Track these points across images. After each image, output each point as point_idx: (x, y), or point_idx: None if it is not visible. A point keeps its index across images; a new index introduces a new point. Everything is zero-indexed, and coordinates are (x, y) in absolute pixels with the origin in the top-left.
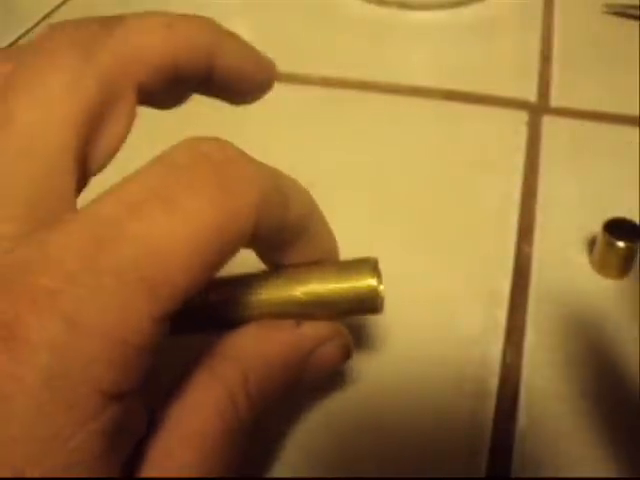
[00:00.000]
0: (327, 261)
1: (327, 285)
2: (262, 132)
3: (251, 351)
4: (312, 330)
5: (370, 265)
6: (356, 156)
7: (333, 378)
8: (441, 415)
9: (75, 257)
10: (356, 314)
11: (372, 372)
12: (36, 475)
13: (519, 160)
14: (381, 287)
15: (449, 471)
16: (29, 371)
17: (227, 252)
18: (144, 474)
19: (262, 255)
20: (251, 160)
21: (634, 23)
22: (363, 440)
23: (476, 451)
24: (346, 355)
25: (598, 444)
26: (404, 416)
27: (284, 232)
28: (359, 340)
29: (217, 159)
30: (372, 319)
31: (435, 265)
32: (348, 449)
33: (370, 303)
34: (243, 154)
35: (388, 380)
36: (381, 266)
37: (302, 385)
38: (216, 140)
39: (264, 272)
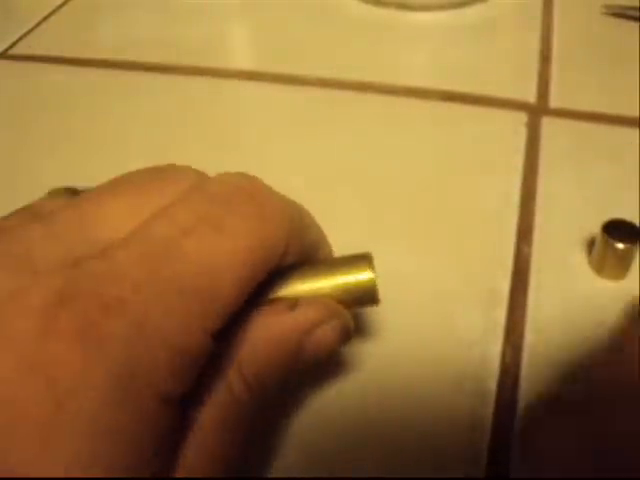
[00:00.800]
0: (323, 259)
1: (326, 280)
2: (261, 133)
3: (244, 337)
4: (308, 312)
5: (366, 259)
6: (355, 157)
7: (332, 378)
8: (440, 415)
9: (139, 270)
10: (354, 307)
11: (371, 371)
12: (99, 472)
13: (518, 161)
14: (376, 279)
15: (448, 471)
16: (101, 369)
17: (265, 269)
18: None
19: None
20: (276, 192)
21: (633, 24)
22: (362, 439)
23: (475, 451)
24: (345, 336)
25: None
26: (403, 415)
27: (302, 254)
28: (358, 341)
29: (250, 190)
30: (371, 319)
31: (434, 265)
32: (347, 448)
33: (369, 294)
34: (269, 187)
35: (387, 380)
36: (380, 266)
37: (301, 367)
38: (245, 174)
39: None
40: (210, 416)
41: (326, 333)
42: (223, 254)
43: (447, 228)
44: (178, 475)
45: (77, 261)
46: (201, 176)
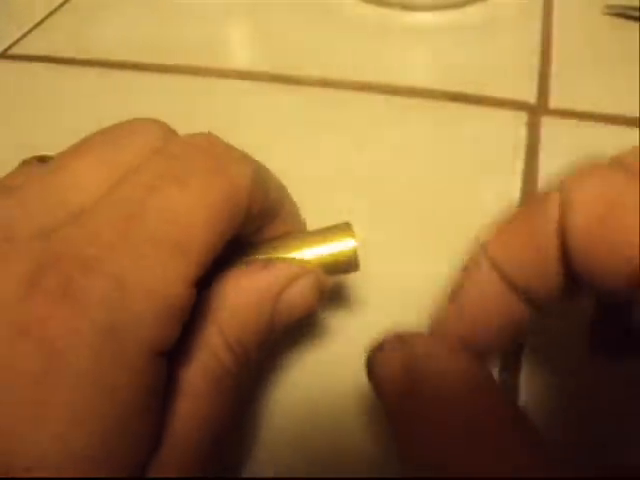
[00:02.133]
0: (304, 231)
1: (308, 249)
2: (261, 133)
3: (222, 304)
4: (280, 270)
5: (346, 226)
6: (355, 157)
7: (329, 368)
8: None
9: (111, 231)
10: (336, 273)
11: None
12: (93, 424)
13: (519, 161)
14: (356, 244)
15: None
16: (87, 325)
17: (232, 224)
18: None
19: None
20: (236, 149)
21: (634, 24)
22: (361, 437)
23: None
24: (319, 292)
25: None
26: None
27: (266, 210)
28: (358, 338)
29: (210, 149)
30: (371, 319)
31: (434, 265)
32: (346, 447)
33: (350, 259)
34: (229, 145)
35: None
36: (380, 266)
37: (278, 325)
38: (205, 134)
39: (245, 245)
40: (199, 380)
41: (300, 289)
42: (189, 208)
43: (447, 228)
44: (169, 438)
45: (52, 229)
46: (164, 130)
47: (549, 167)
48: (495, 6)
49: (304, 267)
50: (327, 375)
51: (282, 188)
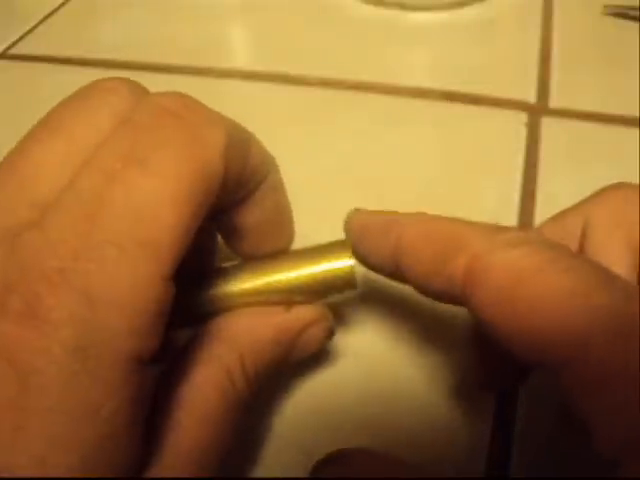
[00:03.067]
0: (301, 248)
1: (305, 267)
2: (261, 133)
3: (246, 333)
4: (301, 314)
5: (343, 245)
6: (355, 157)
7: (331, 375)
8: (440, 415)
9: (73, 234)
10: (333, 293)
11: (373, 374)
12: (74, 446)
13: (518, 161)
14: (354, 263)
15: (448, 470)
16: (56, 344)
17: (206, 199)
18: (153, 457)
19: (233, 242)
20: (210, 109)
21: (633, 24)
22: (361, 437)
23: (475, 451)
24: (329, 335)
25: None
26: (403, 416)
27: (245, 177)
28: (357, 339)
29: (180, 112)
30: (371, 319)
31: None
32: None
33: (347, 280)
34: (202, 104)
35: (387, 380)
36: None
37: (290, 362)
38: (177, 94)
39: (241, 263)
40: (212, 400)
41: (315, 333)
42: (154, 197)
43: None
44: (170, 451)
45: (16, 232)
46: (135, 93)
47: (549, 167)
48: (495, 6)
49: (320, 312)
50: (327, 394)
51: (266, 157)
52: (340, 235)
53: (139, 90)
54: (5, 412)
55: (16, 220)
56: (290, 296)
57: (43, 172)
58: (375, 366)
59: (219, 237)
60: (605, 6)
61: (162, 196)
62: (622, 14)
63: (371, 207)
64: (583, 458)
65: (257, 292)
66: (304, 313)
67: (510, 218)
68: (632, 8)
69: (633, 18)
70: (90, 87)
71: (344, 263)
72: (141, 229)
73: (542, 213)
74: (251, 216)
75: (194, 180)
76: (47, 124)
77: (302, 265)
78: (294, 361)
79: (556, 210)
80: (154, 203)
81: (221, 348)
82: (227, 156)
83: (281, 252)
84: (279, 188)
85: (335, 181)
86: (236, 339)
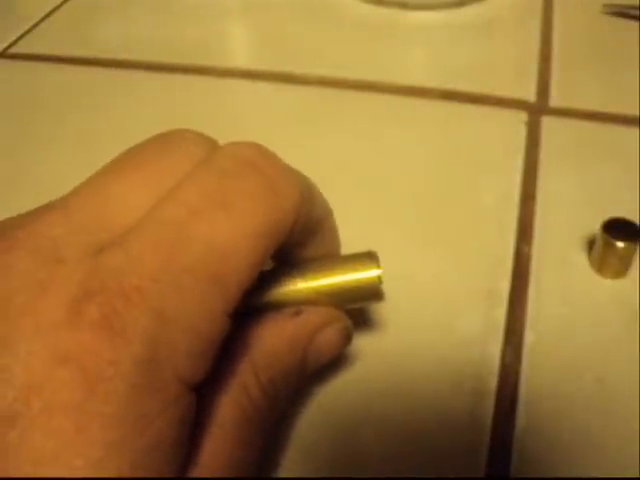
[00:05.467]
0: (330, 256)
1: (334, 277)
2: (261, 132)
3: (258, 345)
4: (311, 317)
5: (372, 256)
6: (355, 157)
7: (331, 377)
8: (440, 414)
9: (154, 258)
10: (359, 303)
11: (370, 371)
12: (127, 453)
13: (518, 160)
14: (382, 275)
15: (448, 470)
16: (125, 357)
17: (276, 244)
18: None
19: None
20: (285, 163)
21: (633, 23)
22: (362, 439)
23: (475, 450)
24: (347, 338)
25: (597, 444)
26: (403, 415)
27: (309, 227)
28: (357, 340)
29: (259, 164)
30: (371, 319)
31: (434, 265)
32: (346, 447)
33: (374, 291)
34: (277, 156)
35: (387, 380)
36: (381, 266)
37: (308, 370)
38: (255, 145)
39: (274, 269)
40: (228, 415)
41: (328, 336)
42: (233, 235)
43: (446, 227)
44: (194, 472)
45: (98, 251)
46: (210, 143)
47: (549, 166)
48: (495, 5)
49: (332, 314)
50: (327, 394)
51: (325, 204)
52: (340, 235)
53: (214, 141)
54: (71, 413)
55: (97, 239)
56: (318, 301)
57: (124, 202)
58: (373, 365)
59: None
60: (605, 5)
61: (241, 238)
62: (622, 13)
63: (370, 205)
64: (583, 458)
65: (285, 297)
66: (314, 316)
67: (510, 217)
68: (632, 7)
69: (633, 17)
70: (165, 134)
71: (372, 273)
72: (217, 263)
73: (542, 212)
74: (306, 253)
75: (269, 231)
76: (128, 159)
77: (331, 273)
78: (313, 368)
79: (556, 209)
80: (232, 245)
81: (234, 364)
82: (299, 208)
83: (310, 259)
84: (334, 231)
85: (334, 180)
86: (248, 353)
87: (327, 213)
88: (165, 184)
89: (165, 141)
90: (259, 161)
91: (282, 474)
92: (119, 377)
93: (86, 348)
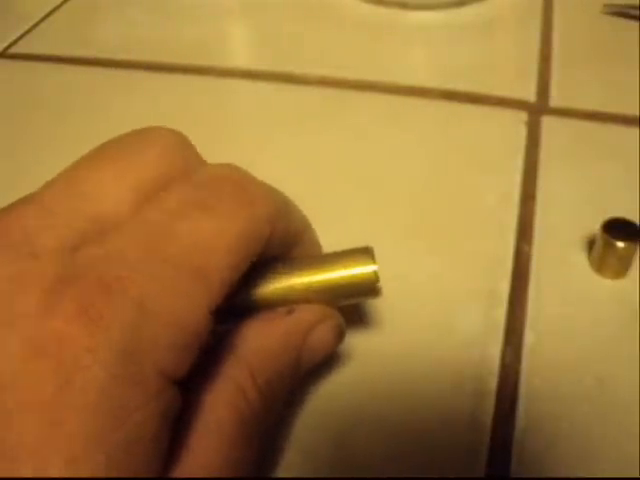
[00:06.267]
0: (323, 253)
1: (330, 272)
2: (261, 132)
3: (252, 346)
4: (304, 315)
5: (367, 251)
6: (355, 156)
7: (330, 377)
8: (440, 414)
9: (135, 251)
10: (356, 298)
11: (370, 372)
12: (104, 446)
13: (518, 160)
14: (378, 271)
15: (448, 470)
16: (103, 344)
17: (254, 252)
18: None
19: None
20: (262, 182)
21: (634, 23)
22: (362, 439)
23: (475, 450)
24: (340, 336)
25: (597, 444)
26: (403, 415)
27: (287, 239)
28: (356, 340)
29: (235, 179)
30: (371, 319)
31: (434, 265)
32: (346, 447)
33: (371, 286)
34: (255, 178)
35: (387, 380)
36: (380, 266)
37: (302, 369)
38: (230, 164)
39: (265, 266)
40: (225, 417)
41: (322, 334)
42: (214, 234)
43: (446, 227)
44: (182, 471)
45: (76, 246)
46: (180, 140)
47: (549, 166)
48: (495, 5)
49: (325, 312)
50: (326, 394)
51: (303, 217)
52: (340, 235)
53: (185, 140)
54: (45, 407)
55: (75, 232)
56: (313, 297)
57: (104, 196)
58: (373, 366)
59: None
60: (605, 5)
61: (222, 235)
62: (622, 13)
63: (370, 205)
64: (583, 458)
65: (280, 293)
66: (307, 314)
67: (510, 217)
68: (632, 7)
69: (633, 17)
70: (137, 131)
71: (369, 268)
72: (199, 257)
73: (542, 212)
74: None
75: (248, 233)
76: (101, 155)
77: (327, 269)
78: (308, 367)
79: (556, 209)
80: (215, 241)
81: (230, 365)
82: (275, 222)
83: (306, 256)
84: (314, 242)
85: (334, 180)
86: (243, 354)
87: (305, 225)
88: (139, 177)
89: (140, 136)
90: (234, 176)
91: (281, 474)
92: (98, 365)
93: (61, 337)
